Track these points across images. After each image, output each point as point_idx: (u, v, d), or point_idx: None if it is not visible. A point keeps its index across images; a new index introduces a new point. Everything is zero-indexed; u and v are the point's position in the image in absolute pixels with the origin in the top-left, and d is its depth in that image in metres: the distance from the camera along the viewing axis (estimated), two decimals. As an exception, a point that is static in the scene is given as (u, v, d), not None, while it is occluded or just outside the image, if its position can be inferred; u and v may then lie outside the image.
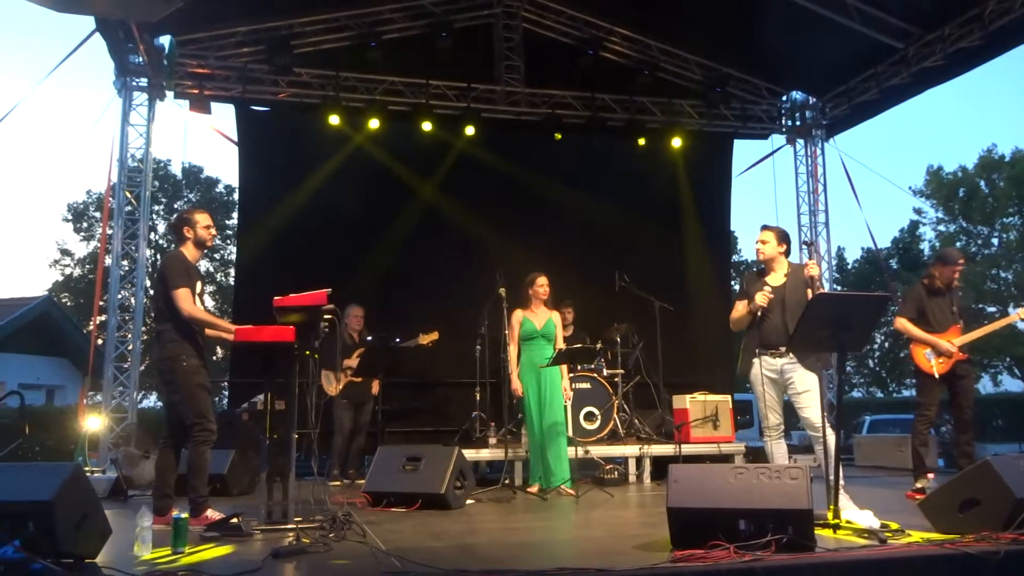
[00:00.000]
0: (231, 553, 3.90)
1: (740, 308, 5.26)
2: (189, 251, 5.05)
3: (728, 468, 3.97)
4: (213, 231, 5.19)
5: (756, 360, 5.16)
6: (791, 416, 5.40)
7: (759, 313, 5.13)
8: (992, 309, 26.93)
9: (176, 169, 29.09)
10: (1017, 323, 8.97)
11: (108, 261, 10.05)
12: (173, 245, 5.81)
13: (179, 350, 4.83)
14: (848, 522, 4.14)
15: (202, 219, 5.09)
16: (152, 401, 25.95)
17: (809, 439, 11.02)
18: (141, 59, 9.75)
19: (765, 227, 5.35)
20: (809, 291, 5.04)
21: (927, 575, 3.41)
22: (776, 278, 5.26)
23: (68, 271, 29.47)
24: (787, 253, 5.35)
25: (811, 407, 4.99)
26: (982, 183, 30.59)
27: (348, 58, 10.41)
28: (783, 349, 5.06)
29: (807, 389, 5.00)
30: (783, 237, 5.32)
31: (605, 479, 7.46)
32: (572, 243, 10.34)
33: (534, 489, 6.56)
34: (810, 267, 5.06)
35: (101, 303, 10.02)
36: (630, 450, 7.90)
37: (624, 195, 10.82)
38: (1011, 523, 3.77)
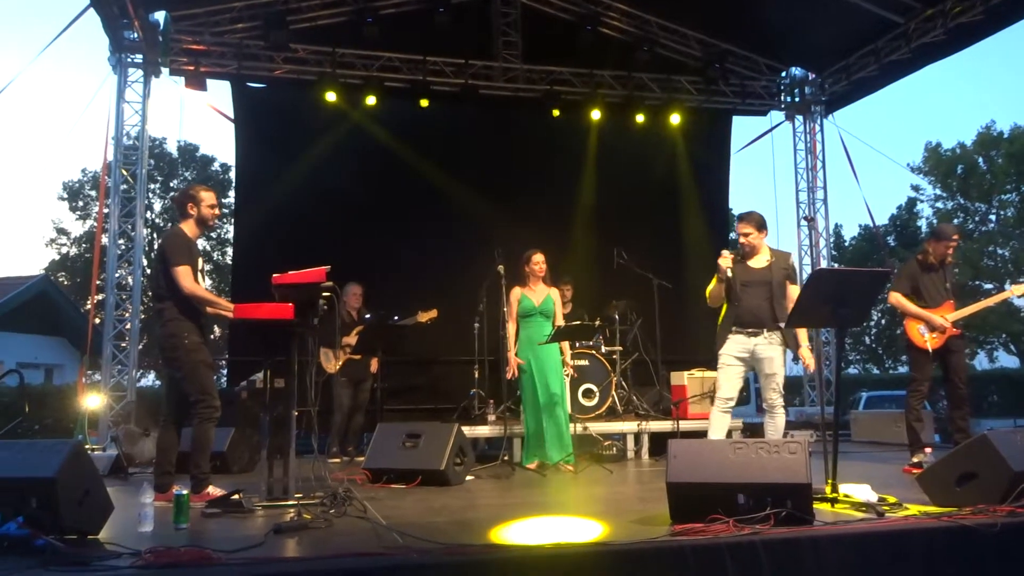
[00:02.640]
0: (233, 528, 3.93)
1: (714, 282, 5.52)
2: (190, 228, 5.03)
3: (727, 443, 4.00)
4: (217, 211, 5.16)
5: (730, 337, 5.45)
6: (788, 393, 5.53)
7: (735, 288, 5.37)
8: (989, 286, 27.00)
9: (172, 147, 28.96)
10: (1012, 299, 9.01)
11: (105, 240, 10.03)
12: (170, 223, 5.78)
13: (181, 328, 4.82)
14: (846, 496, 4.17)
15: (208, 197, 5.06)
16: (151, 380, 26.02)
17: (806, 416, 11.12)
18: (136, 35, 9.67)
19: (742, 219, 5.54)
20: (789, 283, 5.43)
21: (925, 548, 3.43)
22: (759, 261, 5.49)
23: (64, 250, 29.42)
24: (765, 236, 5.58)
25: (777, 388, 5.37)
26: (980, 160, 30.54)
27: (345, 34, 10.31)
28: (760, 330, 5.34)
29: (776, 371, 5.36)
30: (762, 224, 5.54)
31: (604, 455, 7.51)
32: (571, 220, 10.32)
33: (533, 465, 6.59)
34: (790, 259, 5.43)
35: (98, 282, 10.02)
36: (628, 426, 7.93)
37: (622, 172, 10.79)
38: (1008, 496, 3.80)
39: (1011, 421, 15.35)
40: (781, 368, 5.39)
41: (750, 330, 5.38)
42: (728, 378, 5.49)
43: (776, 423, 5.42)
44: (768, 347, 5.35)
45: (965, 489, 4.00)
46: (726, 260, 5.38)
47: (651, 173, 11.21)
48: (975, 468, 4.03)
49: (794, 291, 5.45)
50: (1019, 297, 6.76)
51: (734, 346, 5.44)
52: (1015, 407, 18.32)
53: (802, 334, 5.47)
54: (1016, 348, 28.98)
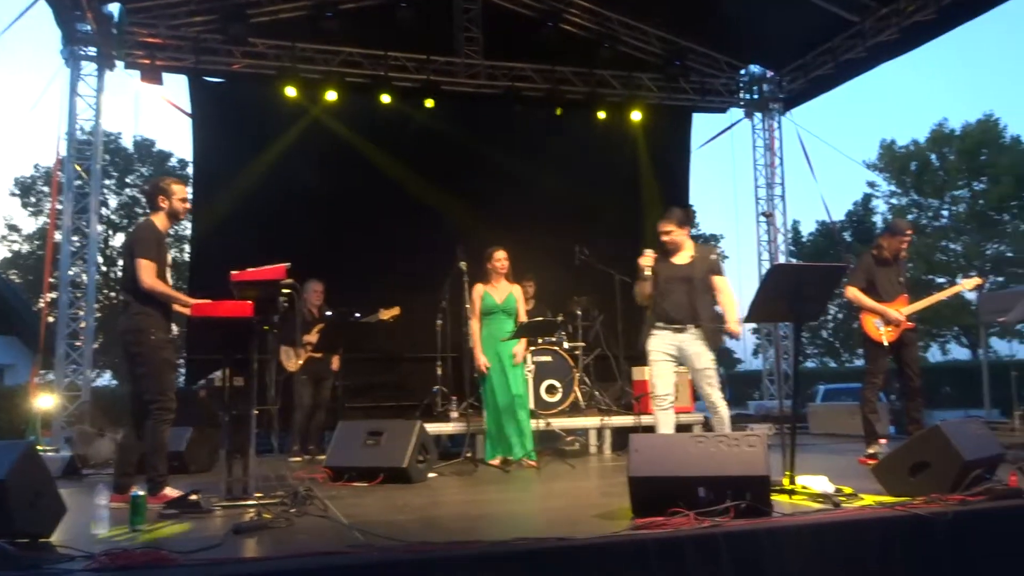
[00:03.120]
0: (191, 529, 3.87)
1: (638, 281, 5.57)
2: (160, 221, 4.93)
3: (688, 437, 4.04)
4: (187, 204, 5.09)
5: (655, 332, 5.51)
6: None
7: (658, 285, 5.45)
8: (941, 280, 27.64)
9: (127, 142, 28.41)
10: (964, 292, 9.23)
11: (58, 237, 9.80)
12: (126, 219, 5.67)
13: (146, 322, 4.71)
14: (804, 487, 4.24)
15: (179, 190, 4.98)
16: (107, 379, 25.50)
17: (765, 409, 11.26)
18: (89, 27, 9.45)
19: (664, 218, 5.60)
20: (714, 276, 5.49)
21: (880, 537, 3.50)
22: (682, 257, 5.58)
23: (16, 247, 28.72)
24: (690, 233, 5.69)
25: (711, 382, 5.41)
26: (933, 157, 31.23)
27: (305, 28, 10.19)
28: (685, 325, 5.41)
29: (707, 366, 5.40)
30: (683, 220, 5.62)
31: (566, 451, 7.54)
32: (533, 217, 10.31)
33: (496, 462, 6.59)
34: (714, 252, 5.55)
35: (51, 280, 9.79)
36: (591, 422, 7.97)
37: (584, 168, 10.82)
38: (959, 485, 3.90)
39: (963, 412, 15.72)
40: (711, 362, 5.42)
41: (675, 326, 5.46)
42: (661, 375, 5.56)
43: (720, 417, 5.45)
44: (694, 342, 5.41)
45: (919, 479, 4.09)
46: (646, 259, 5.47)
47: (612, 170, 11.27)
48: (928, 458, 4.12)
49: (721, 283, 5.53)
50: (970, 291, 6.94)
51: (660, 342, 5.51)
52: (967, 398, 18.77)
53: (733, 313, 5.50)
54: (967, 341, 29.71)
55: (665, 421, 5.58)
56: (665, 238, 5.56)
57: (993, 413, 12.00)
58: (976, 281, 6.88)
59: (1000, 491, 3.88)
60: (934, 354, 30.37)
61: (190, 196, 11.02)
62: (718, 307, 5.55)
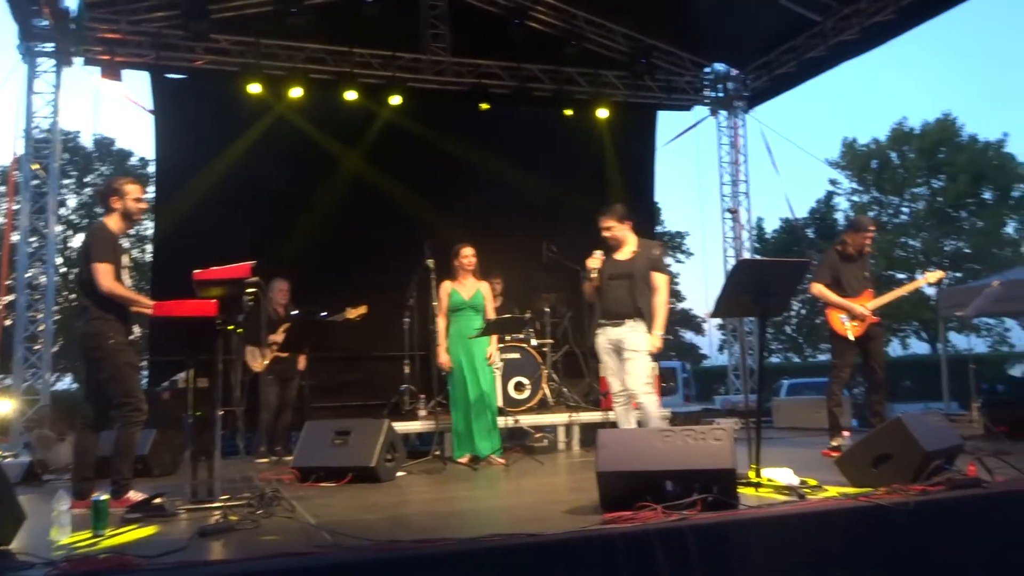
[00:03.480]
0: (156, 533, 3.81)
1: (585, 281, 5.66)
2: (114, 223, 4.83)
3: (655, 432, 4.06)
4: (143, 205, 4.98)
5: (599, 330, 5.59)
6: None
7: (602, 284, 5.52)
8: (902, 276, 28.18)
9: (87, 140, 27.89)
10: (923, 287, 9.42)
11: (15, 237, 9.59)
12: (86, 219, 5.56)
13: (104, 327, 4.62)
14: (769, 480, 4.29)
15: (132, 190, 4.87)
16: (67, 383, 25.02)
17: (731, 404, 11.35)
18: (47, 22, 9.25)
19: (602, 215, 5.67)
20: (654, 272, 5.53)
21: (843, 527, 3.55)
22: (624, 253, 5.65)
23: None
24: (632, 227, 5.75)
25: (632, 374, 5.43)
26: (893, 155, 31.80)
27: (268, 24, 10.06)
28: (623, 320, 5.47)
29: (629, 358, 5.44)
30: (623, 216, 5.69)
31: (535, 447, 7.55)
32: (500, 214, 10.31)
33: (465, 459, 6.58)
34: (657, 247, 5.61)
35: (9, 282, 9.57)
36: (559, 418, 7.99)
37: (551, 165, 10.82)
38: (920, 475, 3.98)
39: (923, 405, 16.04)
40: (642, 356, 5.45)
41: (614, 321, 5.53)
42: (611, 372, 5.65)
43: (644, 412, 5.47)
44: (630, 334, 5.47)
45: (881, 470, 4.16)
46: (594, 261, 5.54)
47: (579, 167, 11.28)
48: (890, 450, 4.19)
49: (658, 281, 5.57)
50: (933, 283, 7.08)
51: (603, 339, 5.60)
52: (927, 391, 19.14)
53: (659, 323, 5.54)
54: (927, 335, 30.29)
55: (624, 417, 5.63)
56: (606, 234, 5.62)
57: (952, 405, 12.27)
58: (939, 274, 7.01)
59: (959, 481, 3.96)
60: (895, 348, 30.92)
61: (151, 195, 10.82)
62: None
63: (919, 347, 30.95)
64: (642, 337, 5.45)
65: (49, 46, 9.49)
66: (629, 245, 5.64)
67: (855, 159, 32.47)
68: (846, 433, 6.44)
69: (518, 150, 10.75)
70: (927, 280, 6.96)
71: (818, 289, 6.53)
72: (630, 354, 5.45)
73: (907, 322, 30.08)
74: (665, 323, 5.58)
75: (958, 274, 28.15)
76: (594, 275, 5.53)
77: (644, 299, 5.48)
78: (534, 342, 8.61)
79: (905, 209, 31.96)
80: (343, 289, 8.65)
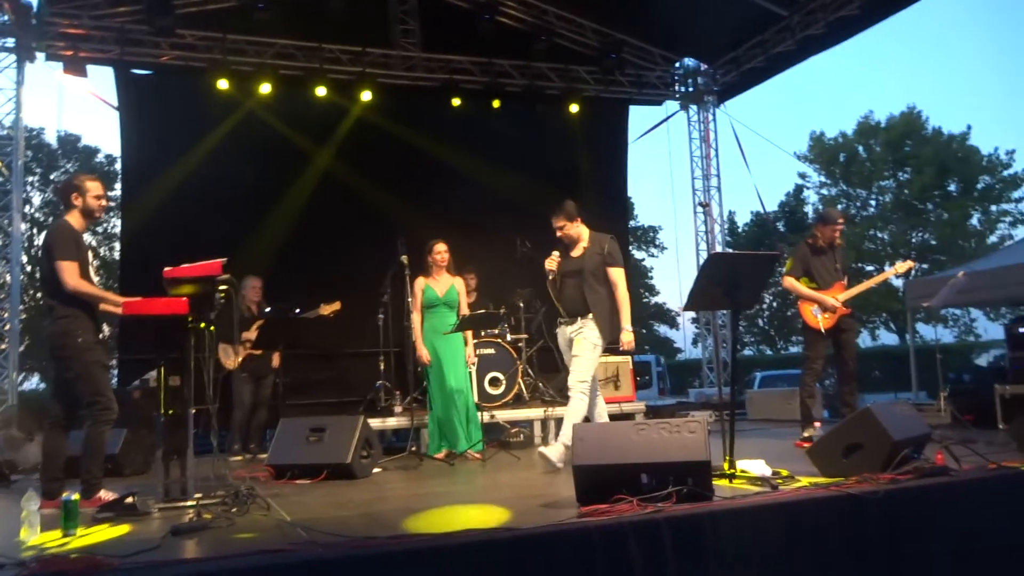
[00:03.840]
0: (128, 533, 3.77)
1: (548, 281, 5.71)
2: (75, 220, 4.76)
3: (630, 425, 4.09)
4: (104, 202, 4.92)
5: (558, 329, 5.72)
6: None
7: (558, 283, 5.62)
8: (871, 268, 28.58)
9: (51, 138, 27.43)
10: (892, 278, 9.56)
11: (-21, 236, 9.41)
12: (51, 217, 5.48)
13: (72, 325, 4.56)
14: (743, 471, 4.33)
15: (93, 187, 4.80)
16: (35, 382, 24.62)
17: (704, 397, 11.45)
18: (6, 17, 9.07)
19: (553, 214, 5.71)
20: (607, 267, 5.53)
21: (815, 517, 3.60)
22: (577, 250, 5.70)
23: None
24: (581, 222, 5.75)
25: (572, 370, 5.48)
26: (860, 148, 32.22)
27: (236, 20, 9.93)
28: (575, 317, 5.54)
29: (576, 354, 5.50)
30: (571, 214, 5.70)
31: (511, 442, 7.56)
32: (473, 210, 10.30)
33: (441, 455, 6.58)
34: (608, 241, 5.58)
35: (-28, 281, 9.39)
36: (535, 413, 8.01)
37: (523, 161, 10.82)
38: (889, 464, 4.05)
39: (892, 395, 16.30)
40: (585, 352, 5.45)
41: (568, 319, 5.61)
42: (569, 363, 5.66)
43: (574, 408, 5.42)
44: (579, 331, 5.51)
45: (851, 459, 4.23)
46: (551, 262, 5.60)
47: (552, 162, 11.29)
48: (860, 439, 4.26)
49: (615, 276, 5.56)
50: (902, 273, 7.20)
51: (561, 337, 5.69)
52: (896, 382, 19.47)
53: (624, 318, 5.54)
54: (895, 326, 30.77)
55: (598, 410, 5.70)
56: (559, 233, 5.68)
57: (921, 395, 12.48)
58: (908, 264, 7.13)
59: (927, 469, 4.03)
60: (864, 339, 31.41)
61: (117, 193, 10.62)
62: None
63: (888, 338, 31.48)
64: (589, 335, 5.46)
65: (10, 41, 9.30)
66: (583, 241, 5.67)
67: (823, 152, 32.87)
68: (818, 424, 6.52)
69: (491, 146, 10.74)
70: (896, 271, 7.07)
71: (789, 282, 6.61)
72: (576, 350, 5.50)
73: (876, 313, 30.54)
74: (629, 315, 5.57)
75: (924, 265, 28.63)
76: (551, 276, 5.58)
77: (594, 296, 5.48)
78: (509, 337, 8.62)
79: (872, 202, 32.45)
80: (316, 286, 8.60)
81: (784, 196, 35.58)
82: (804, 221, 32.08)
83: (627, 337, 5.53)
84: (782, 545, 3.51)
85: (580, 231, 5.69)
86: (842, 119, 75.93)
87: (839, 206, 31.32)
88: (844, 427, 4.55)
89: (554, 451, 5.31)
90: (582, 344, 5.46)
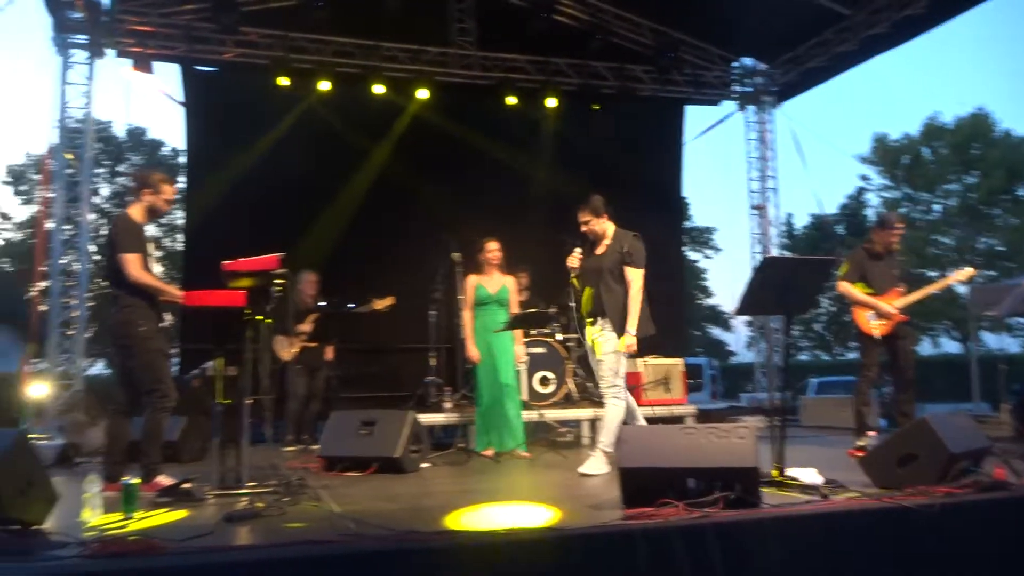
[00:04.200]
0: (183, 518, 3.89)
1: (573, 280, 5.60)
2: (138, 213, 4.92)
3: (677, 428, 4.07)
4: (169, 207, 5.12)
5: (586, 329, 5.54)
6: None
7: (580, 284, 5.51)
8: (933, 273, 27.74)
9: (119, 130, 28.29)
10: (954, 286, 9.28)
11: (50, 225, 9.77)
12: (119, 207, 5.67)
13: (134, 315, 4.72)
14: (792, 479, 4.27)
15: (167, 190, 4.98)
16: (100, 368, 25.45)
17: (756, 402, 11.27)
18: (79, 15, 9.39)
19: (581, 208, 5.54)
20: (625, 267, 5.35)
21: (865, 528, 3.54)
22: (602, 248, 5.53)
23: (8, 235, 28.61)
24: (611, 217, 5.57)
25: (604, 377, 5.36)
26: (925, 150, 31.32)
27: (297, 18, 10.12)
28: (595, 318, 5.41)
29: (600, 359, 5.37)
30: (597, 209, 5.50)
31: (559, 442, 7.57)
32: (527, 208, 10.32)
33: (488, 452, 6.62)
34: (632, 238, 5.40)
35: (43, 268, 9.75)
36: (584, 413, 8.00)
37: (577, 160, 10.78)
38: (945, 476, 3.94)
39: (953, 405, 15.85)
40: (609, 357, 5.31)
41: (589, 319, 5.48)
42: (596, 371, 5.59)
43: (608, 413, 5.35)
44: (600, 334, 5.37)
45: (905, 471, 4.12)
46: (573, 260, 5.47)
47: (605, 161, 11.23)
48: (915, 450, 4.15)
49: (631, 276, 5.33)
50: (964, 281, 6.98)
51: (587, 336, 5.54)
52: (957, 391, 18.94)
53: (631, 321, 5.31)
54: (959, 334, 29.86)
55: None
56: (584, 228, 5.51)
57: (982, 406, 12.11)
58: (969, 272, 6.89)
59: (986, 483, 3.92)
60: (925, 347, 30.57)
61: (183, 185, 10.92)
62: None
63: (950, 346, 30.56)
64: (607, 338, 5.33)
65: (82, 38, 9.62)
66: (607, 239, 5.51)
67: (886, 155, 32.03)
68: (872, 433, 6.38)
69: (544, 144, 10.76)
70: (957, 278, 6.86)
71: (843, 287, 6.48)
72: (599, 355, 5.38)
73: (938, 320, 29.69)
74: (637, 320, 5.29)
75: (991, 272, 27.71)
76: (573, 274, 5.49)
77: (610, 295, 5.33)
78: (559, 336, 8.61)
79: (937, 205, 31.49)
80: (370, 281, 8.72)
81: (845, 199, 34.83)
82: (865, 224, 31.32)
83: (628, 340, 5.28)
84: (831, 556, 3.45)
85: (606, 227, 5.52)
86: (905, 121, 73.97)
87: (902, 209, 30.51)
88: (899, 437, 4.44)
89: (594, 465, 5.25)
90: (603, 348, 5.35)
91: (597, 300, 5.38)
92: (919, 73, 76.41)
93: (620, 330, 5.31)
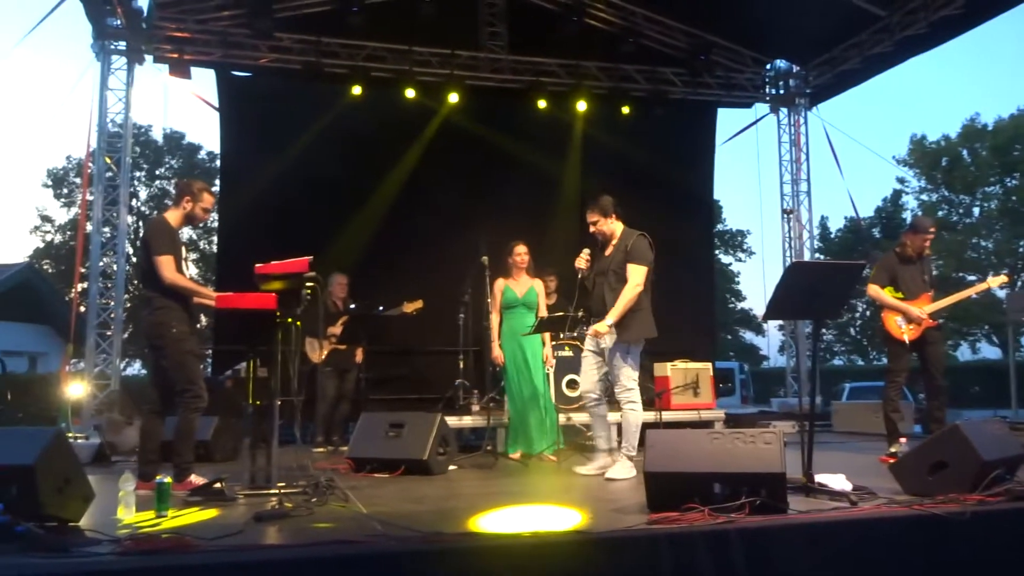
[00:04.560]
0: (214, 516, 3.96)
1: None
2: (175, 218, 5.01)
3: (704, 433, 4.04)
4: (207, 215, 5.22)
5: (589, 329, 5.46)
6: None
7: (591, 283, 5.45)
8: (972, 277, 27.23)
9: (157, 135, 28.79)
10: (994, 291, 9.08)
11: (89, 227, 9.99)
12: (156, 211, 5.80)
13: (168, 316, 4.81)
14: (821, 485, 4.23)
15: (207, 200, 5.07)
16: (136, 368, 25.90)
17: (787, 407, 11.14)
18: (119, 22, 9.61)
19: (589, 208, 5.50)
20: (628, 264, 5.28)
21: (895, 536, 3.50)
22: (609, 248, 5.48)
23: (49, 237, 29.24)
24: (620, 217, 5.54)
25: (615, 382, 5.35)
26: (964, 152, 30.76)
27: (330, 23, 10.26)
28: (602, 319, 5.31)
29: (613, 364, 5.33)
30: (606, 209, 5.47)
31: (586, 445, 7.55)
32: (555, 212, 10.34)
33: (516, 455, 6.63)
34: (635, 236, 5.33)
35: (83, 270, 9.97)
36: (612, 417, 7.94)
37: (608, 163, 10.78)
38: (977, 485, 3.87)
39: (992, 412, 15.52)
40: (617, 361, 5.28)
41: (595, 320, 5.42)
42: (584, 371, 5.58)
43: (626, 419, 5.33)
44: (608, 336, 5.31)
45: (937, 478, 4.06)
46: (579, 261, 5.45)
47: (636, 165, 11.20)
48: (946, 457, 4.09)
49: (632, 270, 5.25)
50: (997, 288, 6.87)
51: (590, 338, 5.48)
52: (996, 398, 18.51)
53: (612, 312, 5.23)
54: (998, 339, 29.25)
55: (595, 422, 5.61)
56: (592, 229, 5.49)
57: (1021, 413, 11.85)
58: (1002, 279, 6.80)
59: (1020, 492, 3.85)
60: (964, 353, 30.02)
61: (217, 189, 11.09)
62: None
63: (989, 351, 29.95)
64: (619, 350, 5.29)
65: (122, 45, 9.84)
66: (615, 239, 5.46)
67: (924, 156, 31.53)
68: (903, 439, 6.29)
69: (575, 148, 10.75)
70: (989, 284, 6.76)
71: (873, 291, 6.40)
72: (610, 361, 5.33)
73: (977, 326, 29.13)
74: (620, 312, 5.21)
75: (1032, 277, 27.14)
76: (581, 275, 5.46)
77: (613, 296, 5.27)
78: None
79: (976, 208, 30.92)
80: (400, 284, 8.80)
81: (881, 201, 34.33)
82: (901, 227, 30.82)
83: (600, 327, 5.25)
84: (859, 563, 3.41)
85: (614, 228, 5.48)
86: (945, 122, 72.62)
87: (940, 212, 30.01)
88: (930, 444, 4.38)
89: (620, 471, 5.25)
90: (614, 354, 5.30)
91: (601, 301, 5.36)
92: (956, 74, 75.04)
93: (620, 330, 5.27)
